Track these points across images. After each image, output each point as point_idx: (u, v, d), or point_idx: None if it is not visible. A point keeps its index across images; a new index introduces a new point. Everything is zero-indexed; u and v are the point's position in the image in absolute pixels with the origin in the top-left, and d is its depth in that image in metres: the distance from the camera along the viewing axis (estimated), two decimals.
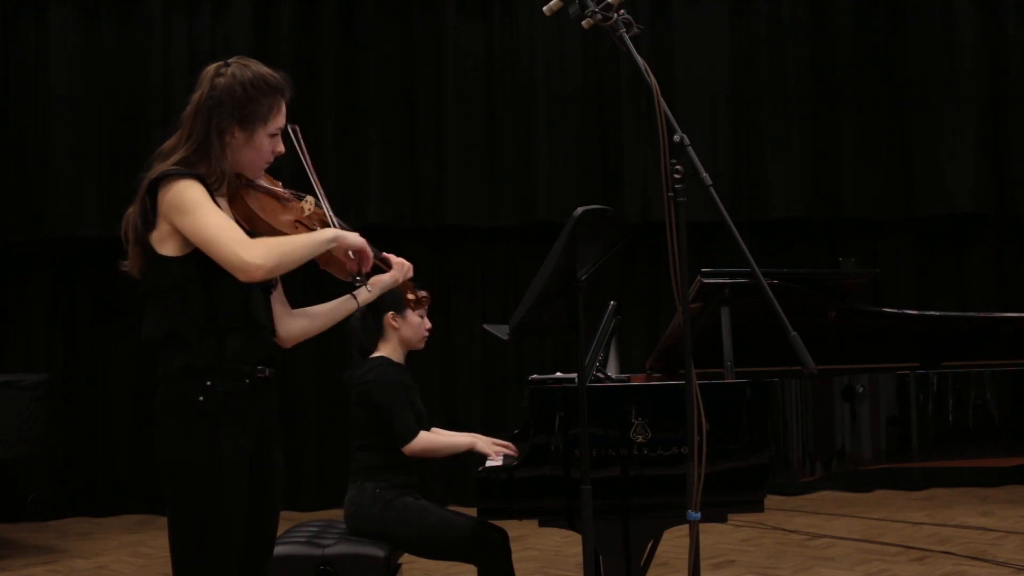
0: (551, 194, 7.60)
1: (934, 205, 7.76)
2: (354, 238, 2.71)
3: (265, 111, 2.67)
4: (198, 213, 2.53)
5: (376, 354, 3.97)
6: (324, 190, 2.83)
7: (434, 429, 4.05)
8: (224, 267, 2.52)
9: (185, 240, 2.57)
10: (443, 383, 7.70)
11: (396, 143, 7.67)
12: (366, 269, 2.76)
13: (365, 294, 2.89)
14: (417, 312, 3.98)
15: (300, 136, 2.84)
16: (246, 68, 2.68)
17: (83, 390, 7.68)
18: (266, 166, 2.75)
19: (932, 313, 4.01)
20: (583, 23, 2.82)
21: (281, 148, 2.75)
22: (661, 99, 2.63)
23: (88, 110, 7.55)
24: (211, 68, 2.70)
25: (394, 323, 3.97)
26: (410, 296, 3.07)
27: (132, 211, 2.64)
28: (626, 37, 2.76)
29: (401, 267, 2.91)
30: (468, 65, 7.71)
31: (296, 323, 2.86)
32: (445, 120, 7.68)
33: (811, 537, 6.19)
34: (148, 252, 2.60)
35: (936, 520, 6.56)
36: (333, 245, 2.67)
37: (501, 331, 3.95)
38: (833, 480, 7.60)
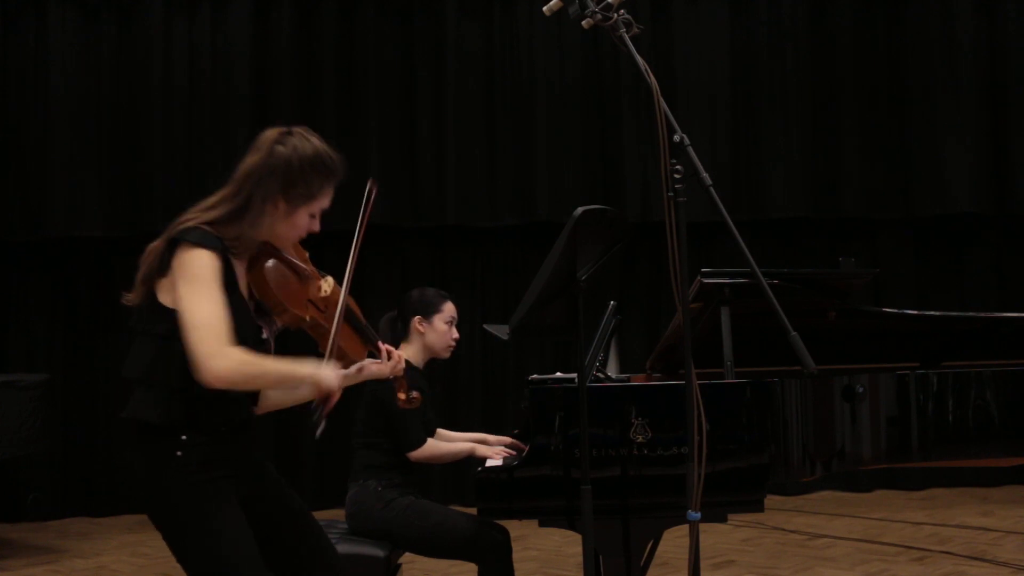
0: (551, 194, 7.60)
1: (934, 205, 7.75)
2: (328, 381, 2.57)
3: (316, 191, 2.63)
4: (196, 292, 2.47)
5: None
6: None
7: (438, 431, 4.07)
8: (189, 355, 2.45)
9: None
10: (443, 383, 7.69)
11: (396, 143, 7.67)
12: (326, 409, 2.61)
13: (332, 372, 2.64)
14: (444, 320, 3.99)
15: (371, 196, 2.76)
16: (307, 142, 2.64)
17: (83, 390, 7.67)
18: (297, 241, 2.72)
19: (932, 313, 4.01)
20: (583, 23, 2.82)
21: (316, 227, 2.69)
22: (661, 99, 2.63)
23: (88, 110, 7.55)
24: (272, 133, 2.65)
25: (420, 327, 3.98)
26: (401, 396, 2.95)
27: (153, 248, 2.60)
28: (626, 37, 2.76)
29: (394, 364, 2.84)
30: (468, 65, 7.71)
31: (271, 395, 2.81)
32: (445, 120, 7.68)
33: (811, 537, 6.19)
34: (151, 293, 2.59)
35: (936, 520, 6.56)
36: (308, 383, 2.59)
37: (501, 331, 3.95)
38: (833, 480, 7.60)
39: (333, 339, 2.64)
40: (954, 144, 7.70)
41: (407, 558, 4.06)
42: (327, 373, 2.59)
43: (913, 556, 5.59)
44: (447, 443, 4.00)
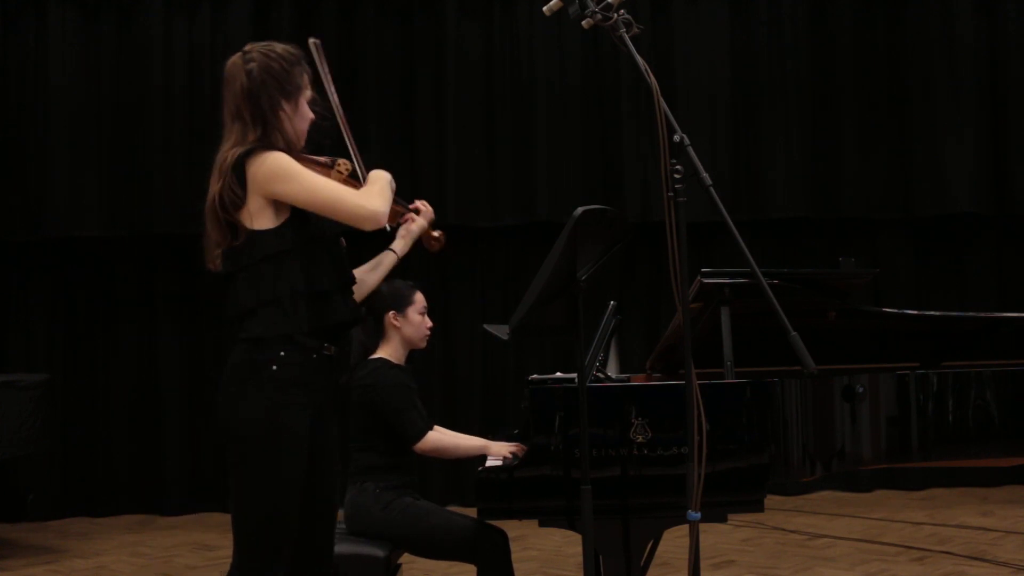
0: (551, 194, 7.60)
1: (934, 205, 7.75)
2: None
3: (299, 80, 2.82)
4: (304, 178, 2.68)
5: (377, 355, 3.95)
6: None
7: (436, 428, 4.04)
8: (347, 221, 2.69)
9: (277, 212, 2.68)
10: (443, 383, 7.70)
11: (396, 143, 7.67)
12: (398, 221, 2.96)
13: (401, 244, 3.08)
14: (417, 311, 3.97)
15: (320, 51, 2.97)
16: (269, 48, 2.82)
17: (83, 390, 7.68)
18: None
19: (932, 313, 4.01)
20: (583, 23, 2.82)
21: (312, 114, 2.88)
22: (661, 99, 2.63)
23: (88, 110, 7.55)
24: (236, 60, 2.81)
25: (395, 322, 3.95)
26: (435, 234, 3.16)
27: (212, 196, 2.70)
28: (626, 37, 2.76)
29: (428, 211, 3.11)
30: (468, 65, 7.71)
31: (367, 280, 3.03)
32: (445, 120, 7.67)
33: (811, 537, 6.19)
34: (237, 230, 2.69)
35: (936, 520, 6.56)
36: (393, 186, 2.86)
37: (501, 331, 3.94)
38: (833, 480, 7.60)
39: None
40: (954, 144, 7.70)
41: (407, 558, 4.06)
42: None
43: (913, 556, 5.59)
44: (456, 436, 3.91)
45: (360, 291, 2.98)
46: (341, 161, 2.91)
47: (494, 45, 7.75)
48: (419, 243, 3.18)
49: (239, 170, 2.66)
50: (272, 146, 2.71)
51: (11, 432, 6.05)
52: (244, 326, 2.70)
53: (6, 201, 7.57)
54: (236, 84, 2.76)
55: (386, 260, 3.09)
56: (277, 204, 2.70)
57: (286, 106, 2.77)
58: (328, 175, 2.86)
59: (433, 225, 3.18)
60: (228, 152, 2.70)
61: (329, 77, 2.92)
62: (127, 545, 6.60)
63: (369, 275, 3.04)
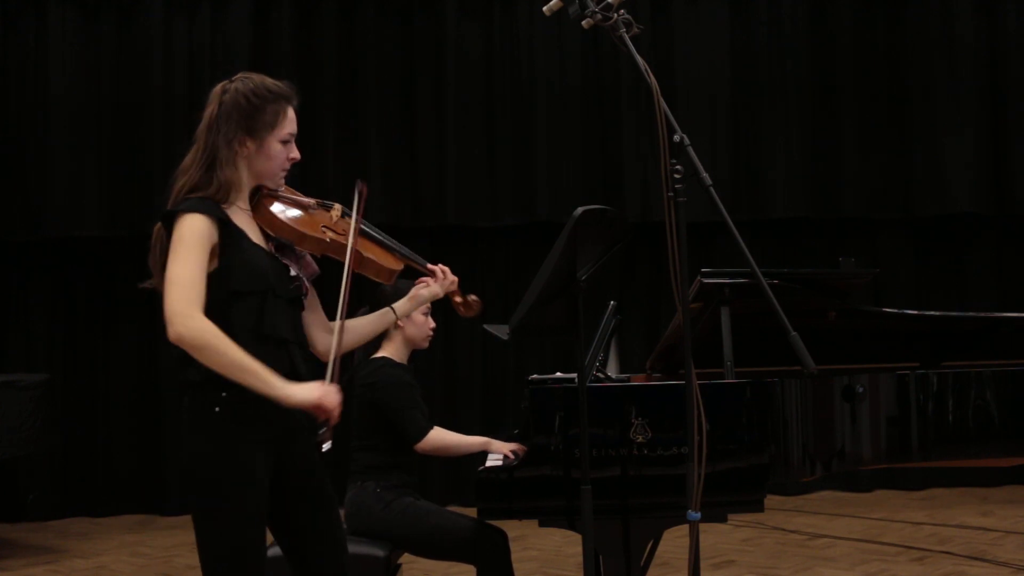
0: (551, 194, 7.60)
1: (934, 205, 7.75)
2: (305, 396, 2.55)
3: (271, 118, 2.70)
4: (177, 253, 2.54)
5: (379, 354, 3.96)
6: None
7: (436, 429, 4.03)
8: (164, 309, 2.51)
9: (207, 262, 2.59)
10: (443, 383, 7.70)
11: (396, 143, 7.67)
12: (332, 423, 2.60)
13: (406, 306, 3.00)
14: (421, 311, 3.97)
15: (362, 198, 2.79)
16: (249, 80, 2.74)
17: (83, 390, 7.68)
18: (283, 173, 2.77)
19: (932, 313, 4.01)
20: (583, 23, 2.82)
21: (296, 155, 2.76)
22: (661, 99, 2.63)
23: (88, 110, 7.55)
24: (218, 86, 2.74)
25: (399, 321, 3.95)
26: (458, 299, 3.06)
27: (157, 230, 2.65)
28: (626, 37, 2.76)
29: (443, 280, 2.99)
30: (468, 65, 7.71)
31: (328, 338, 2.83)
32: (445, 120, 7.67)
33: (811, 537, 6.19)
34: None
35: (936, 520, 6.56)
36: (276, 396, 2.54)
37: (501, 331, 3.94)
38: (833, 480, 7.60)
39: (350, 249, 2.73)
40: (954, 144, 7.70)
41: (407, 558, 4.06)
42: (298, 391, 2.55)
43: (913, 556, 5.59)
44: (457, 434, 3.89)
45: (349, 340, 2.85)
46: (336, 207, 2.81)
47: (494, 45, 7.75)
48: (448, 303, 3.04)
49: (168, 223, 2.60)
50: (210, 183, 2.63)
51: (11, 432, 6.05)
52: (183, 370, 2.65)
53: (6, 201, 7.57)
54: (207, 109, 2.71)
55: (385, 319, 2.99)
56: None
57: (249, 143, 2.68)
58: (314, 216, 2.76)
59: (461, 288, 3.03)
60: (174, 191, 2.65)
61: (359, 225, 2.76)
62: (127, 545, 6.60)
63: (362, 327, 2.96)
